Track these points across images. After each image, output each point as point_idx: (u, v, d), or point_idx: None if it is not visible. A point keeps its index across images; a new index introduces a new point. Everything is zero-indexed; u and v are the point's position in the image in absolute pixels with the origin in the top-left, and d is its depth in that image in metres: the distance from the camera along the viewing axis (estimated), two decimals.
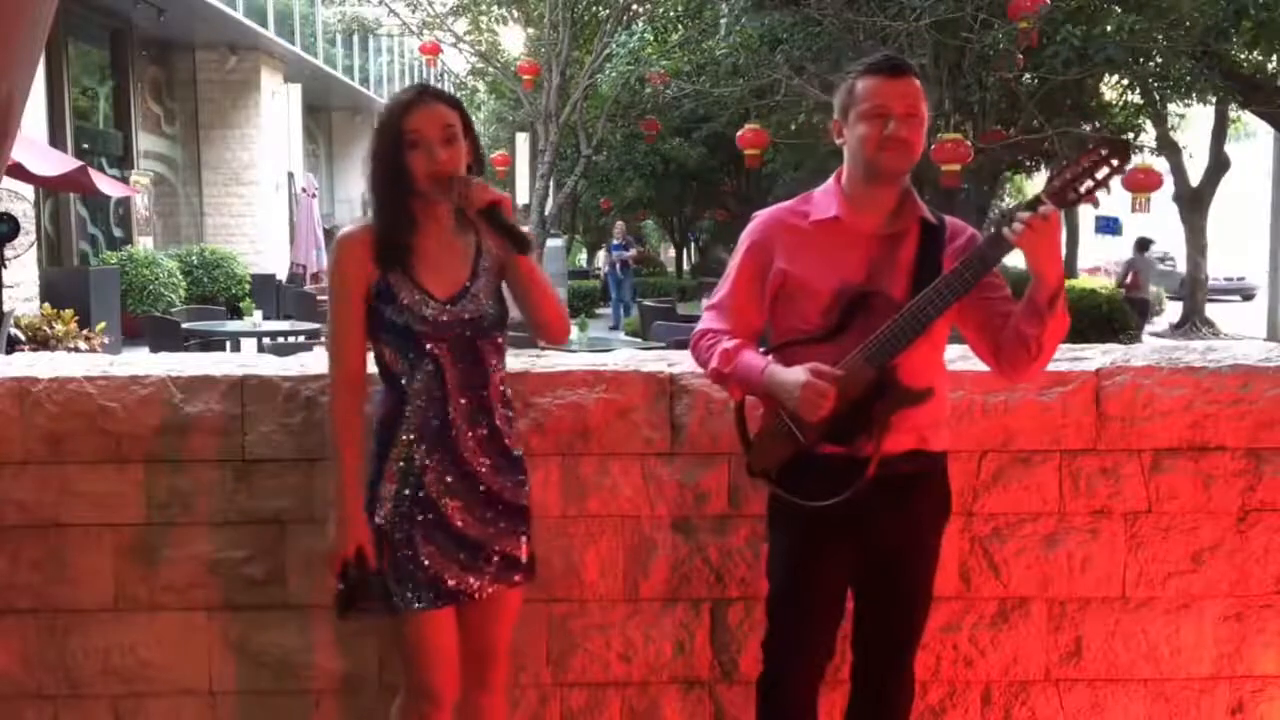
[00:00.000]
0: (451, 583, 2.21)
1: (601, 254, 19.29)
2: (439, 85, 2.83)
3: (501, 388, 2.29)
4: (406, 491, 2.21)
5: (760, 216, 2.37)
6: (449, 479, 2.22)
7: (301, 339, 9.87)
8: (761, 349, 2.30)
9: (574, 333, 9.18)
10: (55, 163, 9.64)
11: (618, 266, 19.02)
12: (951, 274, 2.12)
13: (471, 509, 2.23)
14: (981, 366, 2.66)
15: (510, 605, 2.34)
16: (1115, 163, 2.05)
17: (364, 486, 2.21)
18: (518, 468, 2.30)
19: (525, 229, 2.27)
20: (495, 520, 2.25)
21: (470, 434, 2.22)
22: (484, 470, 2.24)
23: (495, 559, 2.25)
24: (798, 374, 2.13)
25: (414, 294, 2.19)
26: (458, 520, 2.21)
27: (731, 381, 2.28)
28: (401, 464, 2.21)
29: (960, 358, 2.71)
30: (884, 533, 2.25)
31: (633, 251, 19.85)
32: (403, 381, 2.22)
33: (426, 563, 2.19)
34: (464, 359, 2.22)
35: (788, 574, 2.32)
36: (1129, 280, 15.77)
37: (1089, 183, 2.07)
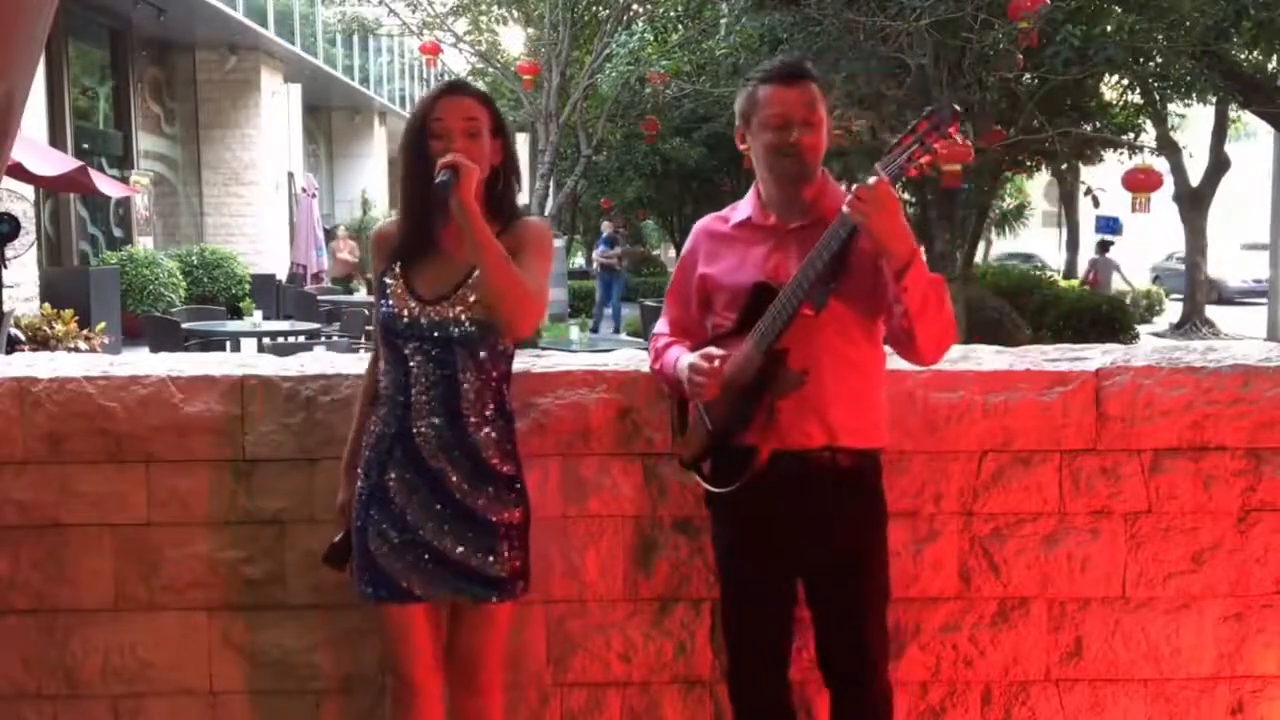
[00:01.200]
0: (403, 583, 2.21)
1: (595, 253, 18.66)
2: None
3: (482, 399, 2.23)
4: (369, 482, 2.24)
5: (695, 226, 2.51)
6: (410, 482, 2.21)
7: (301, 339, 9.88)
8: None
9: (574, 332, 9.20)
10: (55, 163, 9.64)
11: (599, 265, 18.16)
12: (810, 254, 2.14)
13: (432, 515, 2.21)
14: (982, 366, 2.68)
15: (491, 619, 2.28)
16: (942, 127, 2.04)
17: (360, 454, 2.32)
18: (498, 483, 2.23)
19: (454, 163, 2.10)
20: (461, 532, 2.21)
21: (436, 441, 2.20)
22: (453, 481, 2.21)
23: (456, 570, 2.21)
24: (687, 358, 2.26)
25: (401, 290, 2.21)
26: (415, 522, 2.21)
27: (661, 377, 2.44)
28: (369, 454, 2.26)
29: (961, 358, 2.72)
30: (810, 531, 2.27)
31: (616, 250, 18.78)
32: (380, 376, 2.26)
33: (380, 559, 2.21)
34: (434, 364, 2.20)
35: (724, 568, 2.43)
36: (1090, 279, 17.23)
37: (917, 149, 2.06)
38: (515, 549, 2.27)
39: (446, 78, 23.30)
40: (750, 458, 2.21)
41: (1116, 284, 17.64)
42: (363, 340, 9.04)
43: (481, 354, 2.23)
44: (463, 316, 2.19)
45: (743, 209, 2.40)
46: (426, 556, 2.21)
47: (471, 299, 2.19)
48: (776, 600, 2.36)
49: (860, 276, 2.19)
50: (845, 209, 2.08)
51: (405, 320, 2.20)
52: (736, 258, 2.34)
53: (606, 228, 19.58)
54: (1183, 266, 19.65)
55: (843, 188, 2.34)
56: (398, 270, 2.23)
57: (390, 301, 2.21)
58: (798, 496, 2.23)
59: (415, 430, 2.20)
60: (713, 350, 2.22)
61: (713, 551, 2.50)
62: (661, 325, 2.52)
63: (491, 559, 2.23)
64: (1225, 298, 23.64)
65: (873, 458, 2.34)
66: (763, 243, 2.32)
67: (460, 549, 2.21)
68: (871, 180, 2.06)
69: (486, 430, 2.24)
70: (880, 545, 2.35)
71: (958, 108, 2.12)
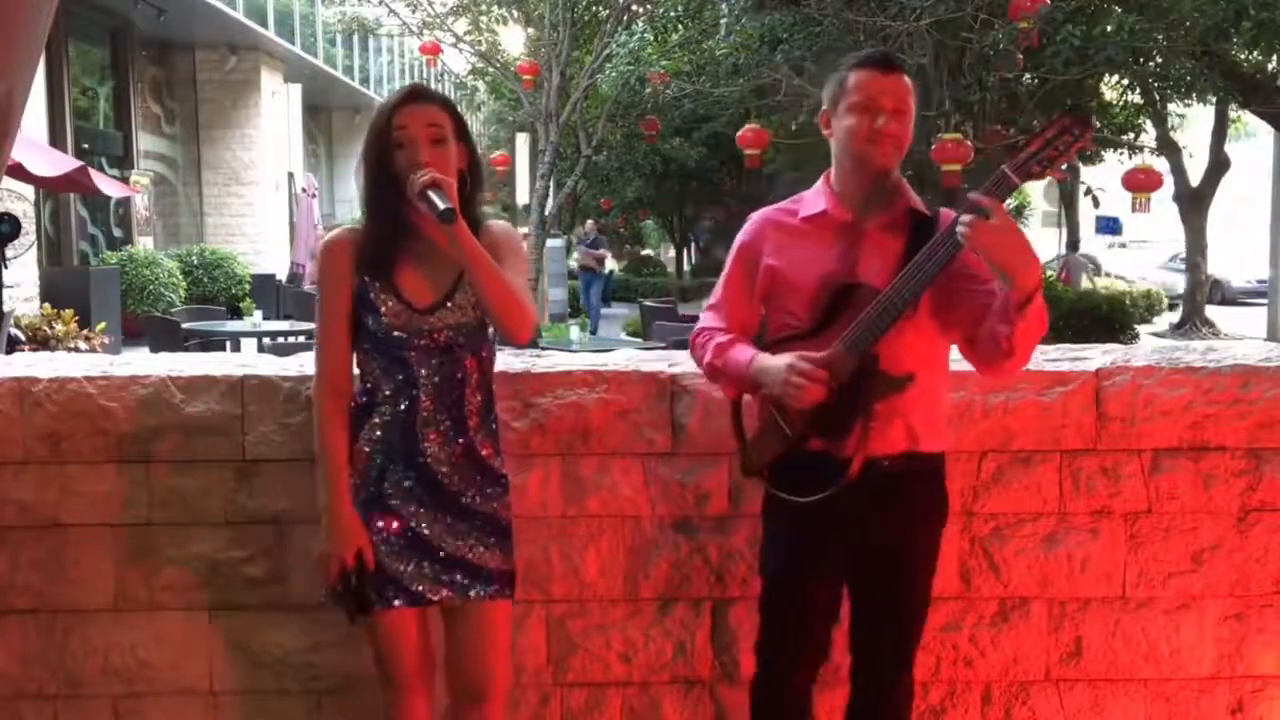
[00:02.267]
0: (410, 584, 2.20)
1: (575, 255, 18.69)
2: (439, 85, 2.81)
3: (483, 401, 2.24)
4: (367, 490, 2.21)
5: (753, 216, 2.39)
6: (412, 487, 2.20)
7: (301, 339, 9.87)
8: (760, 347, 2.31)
9: (574, 332, 9.19)
10: (55, 163, 9.64)
11: (579, 266, 18.28)
12: (923, 256, 2.08)
13: (435, 516, 2.21)
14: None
15: (493, 619, 2.27)
16: (1077, 133, 1.98)
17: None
18: (497, 483, 2.26)
19: (467, 206, 2.13)
20: (466, 532, 2.22)
21: (442, 447, 2.20)
22: (454, 483, 2.21)
23: (464, 569, 2.21)
24: (782, 359, 2.15)
25: (391, 301, 2.18)
26: (418, 524, 2.20)
27: (723, 375, 2.31)
28: (363, 465, 2.21)
29: (962, 358, 2.72)
30: (877, 533, 2.24)
31: (601, 251, 18.99)
32: (373, 388, 2.22)
33: (382, 562, 2.19)
34: (439, 371, 2.19)
35: (780, 572, 2.33)
36: (1061, 276, 17.75)
37: (1050, 153, 1.99)
38: (509, 546, 2.28)
39: (446, 78, 23.24)
40: (836, 464, 2.14)
41: (1085, 283, 18.15)
42: None
43: (481, 354, 2.24)
44: (460, 321, 2.20)
45: (812, 202, 2.30)
46: (432, 557, 2.20)
47: (467, 295, 2.19)
48: (828, 609, 2.33)
49: (945, 277, 2.12)
50: (959, 234, 1.97)
51: (407, 332, 2.18)
52: (809, 253, 2.25)
53: (590, 228, 19.65)
54: (1184, 268, 19.67)
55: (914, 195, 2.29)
56: (378, 281, 2.19)
57: (382, 311, 2.18)
58: (874, 499, 2.17)
59: (422, 436, 2.19)
60: (809, 354, 2.12)
61: (763, 554, 2.40)
62: (713, 319, 2.36)
63: (494, 554, 2.24)
64: (1228, 298, 23.60)
65: (941, 460, 2.33)
66: (838, 239, 2.23)
67: (464, 546, 2.22)
68: (979, 204, 1.95)
69: (484, 431, 2.25)
70: (938, 544, 2.34)
71: (1091, 115, 2.03)
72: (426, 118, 2.15)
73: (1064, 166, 2.10)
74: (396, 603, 2.21)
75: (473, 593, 2.23)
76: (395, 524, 2.20)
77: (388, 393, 2.21)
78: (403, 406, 2.20)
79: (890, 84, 2.19)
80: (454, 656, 2.31)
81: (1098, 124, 14.11)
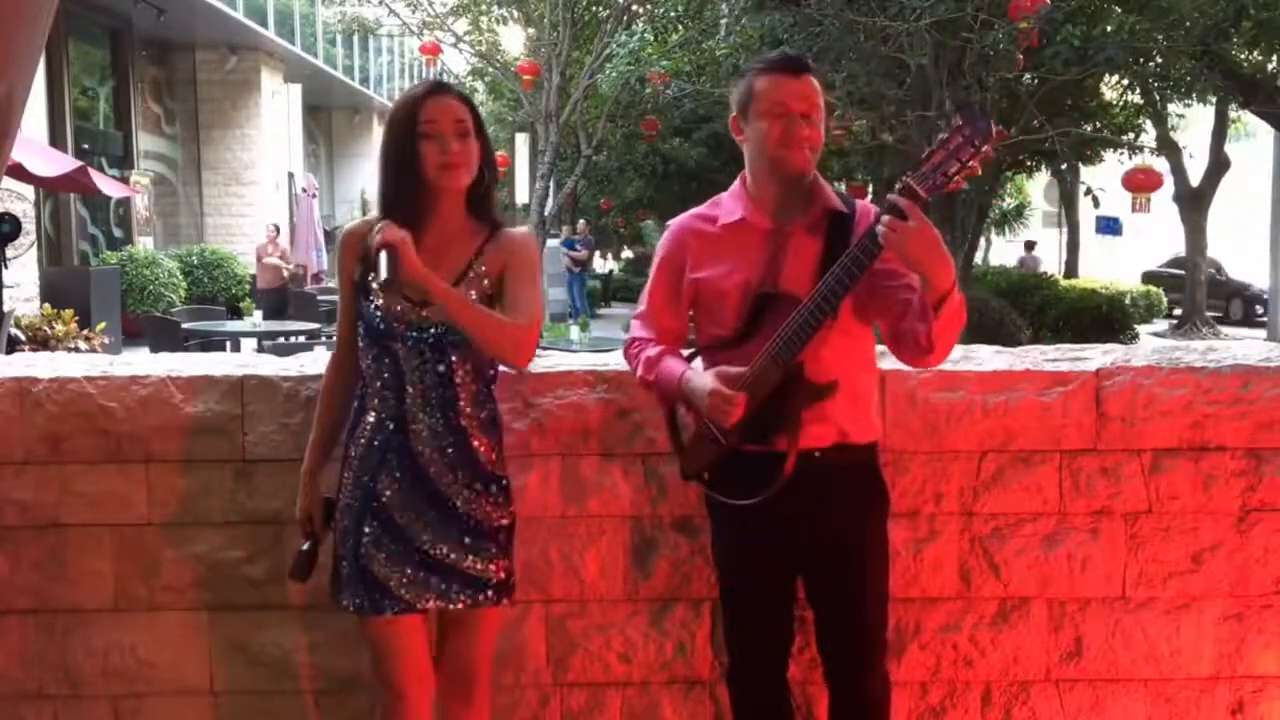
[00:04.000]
0: (398, 591, 2.18)
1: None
2: None
3: (476, 400, 2.23)
4: (360, 490, 2.21)
5: (672, 225, 2.41)
6: (402, 487, 2.19)
7: (301, 339, 9.88)
8: (688, 352, 2.36)
9: (574, 332, 9.19)
10: (55, 163, 9.64)
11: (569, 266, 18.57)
12: (840, 267, 2.09)
13: (429, 522, 2.19)
14: (982, 366, 2.68)
15: (484, 624, 2.28)
16: (977, 142, 1.96)
17: (325, 458, 2.32)
18: (494, 486, 2.24)
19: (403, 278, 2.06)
20: (456, 536, 2.20)
21: (430, 443, 2.19)
22: (445, 484, 2.20)
23: (451, 574, 2.20)
24: (706, 381, 2.18)
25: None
26: (410, 529, 2.19)
27: (654, 388, 2.35)
28: (357, 462, 2.23)
29: (962, 358, 2.72)
30: (816, 526, 2.26)
31: (584, 252, 19.36)
32: (367, 383, 2.23)
33: (373, 568, 2.18)
34: (429, 367, 2.18)
35: (727, 570, 2.40)
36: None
37: (954, 165, 1.98)
38: (507, 551, 2.27)
39: (446, 78, 23.34)
40: (769, 466, 2.17)
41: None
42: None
43: (474, 353, 2.22)
44: None
45: (730, 208, 2.31)
46: (424, 564, 2.19)
47: (470, 295, 2.18)
48: (779, 600, 2.36)
49: (874, 279, 2.16)
50: (878, 229, 2.00)
51: (398, 323, 2.18)
52: (731, 261, 2.27)
53: (582, 228, 19.76)
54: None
55: (876, 202, 2.30)
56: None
57: (376, 302, 2.19)
58: (808, 495, 2.20)
59: (411, 431, 2.19)
60: (729, 371, 2.16)
61: (713, 553, 2.48)
62: (642, 330, 2.40)
63: (489, 562, 2.22)
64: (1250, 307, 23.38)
65: (874, 449, 2.35)
66: (759, 246, 2.25)
67: (458, 553, 2.20)
68: (898, 201, 1.97)
69: (480, 430, 2.23)
70: (882, 532, 2.35)
71: (995, 125, 1.99)
72: (454, 112, 2.17)
73: (963, 179, 2.08)
74: (388, 611, 2.19)
75: (463, 601, 2.22)
76: (386, 527, 2.19)
77: (378, 385, 2.22)
78: (392, 401, 2.20)
79: (799, 87, 2.19)
80: (441, 655, 2.31)
81: (1098, 124, 14.11)
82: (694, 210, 2.40)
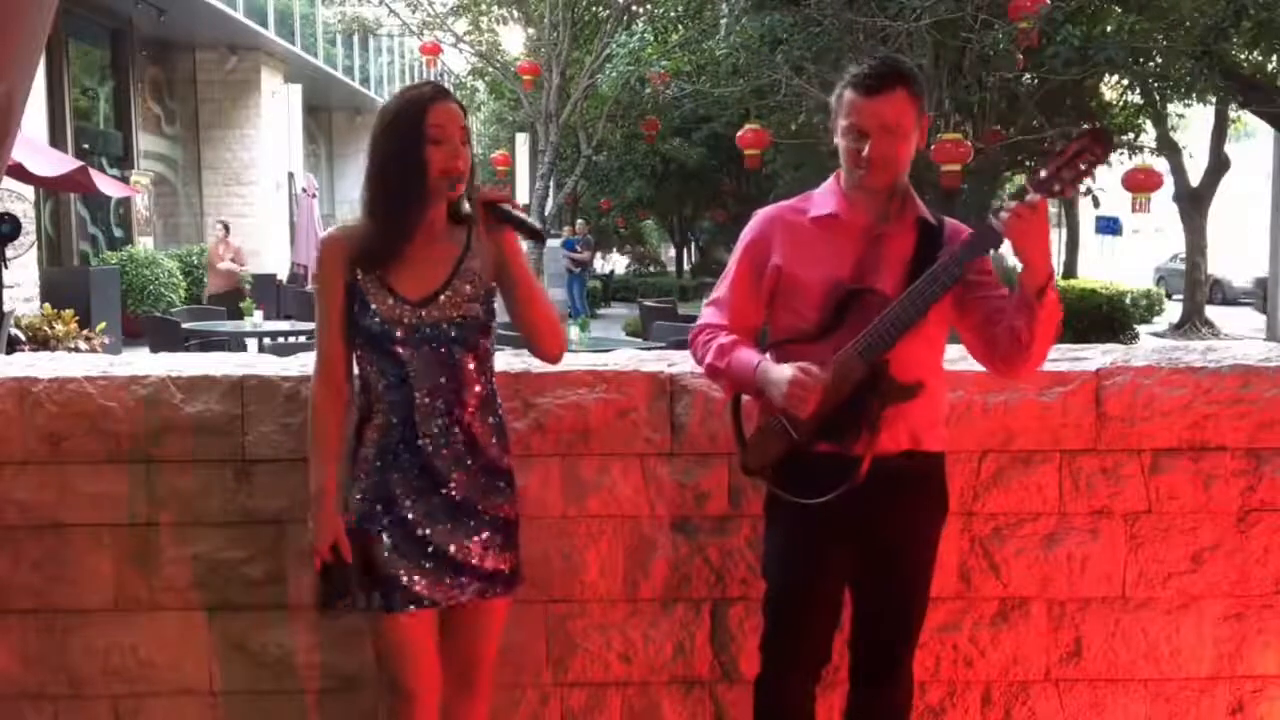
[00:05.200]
0: (416, 588, 2.18)
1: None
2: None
3: (482, 396, 2.23)
4: (372, 495, 2.20)
5: (760, 213, 2.38)
6: (416, 486, 2.19)
7: (301, 339, 9.87)
8: (761, 347, 2.31)
9: (574, 333, 9.19)
10: (55, 163, 9.64)
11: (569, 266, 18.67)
12: (940, 266, 2.12)
13: (441, 518, 2.19)
14: (981, 367, 2.67)
15: (492, 617, 2.29)
16: (1099, 151, 2.07)
17: (339, 484, 2.22)
18: (502, 480, 2.25)
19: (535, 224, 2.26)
20: (469, 532, 2.20)
21: (441, 442, 2.19)
22: (457, 481, 2.20)
23: (466, 570, 2.20)
24: (785, 371, 2.14)
25: (384, 296, 2.17)
26: (425, 528, 2.18)
27: (725, 377, 2.30)
28: (367, 467, 2.21)
29: (961, 358, 2.71)
30: (880, 531, 2.25)
31: (585, 253, 19.39)
32: (372, 385, 2.22)
33: (391, 567, 2.17)
34: (434, 365, 2.18)
35: (785, 573, 2.32)
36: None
37: (1072, 172, 2.07)
38: (514, 544, 2.28)
39: (446, 78, 23.34)
40: (841, 466, 2.15)
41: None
42: None
43: (478, 349, 2.22)
44: (455, 314, 2.18)
45: (822, 203, 2.29)
46: (435, 559, 2.19)
47: (462, 290, 2.19)
48: (830, 609, 2.33)
49: (970, 287, 2.19)
50: (994, 222, 2.09)
51: (400, 326, 2.17)
52: (819, 255, 2.24)
53: (581, 228, 19.78)
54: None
55: (999, 202, 2.36)
56: (373, 277, 2.18)
57: (375, 307, 2.17)
58: (875, 499, 2.17)
59: (420, 432, 2.18)
60: (811, 366, 2.12)
61: (765, 554, 2.40)
62: (716, 316, 2.34)
63: (498, 555, 2.23)
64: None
65: (942, 459, 2.34)
66: (849, 242, 2.24)
67: (469, 547, 2.20)
68: (1030, 198, 2.06)
69: (485, 425, 2.24)
70: (936, 542, 2.35)
71: (1112, 135, 2.14)
72: (459, 119, 2.18)
73: (1083, 188, 2.19)
74: (410, 607, 2.18)
75: (473, 594, 2.23)
76: (399, 527, 2.19)
77: (383, 389, 2.20)
78: (399, 402, 2.19)
79: (875, 107, 2.17)
80: (448, 649, 2.30)
81: (1098, 125, 14.11)
82: (783, 202, 2.39)
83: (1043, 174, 2.09)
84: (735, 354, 2.25)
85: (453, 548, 2.20)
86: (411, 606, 2.19)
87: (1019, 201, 2.07)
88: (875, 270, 2.21)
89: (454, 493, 2.20)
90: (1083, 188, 13.46)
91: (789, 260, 2.26)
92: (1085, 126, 2.11)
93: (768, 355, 2.25)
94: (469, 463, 2.21)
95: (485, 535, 2.22)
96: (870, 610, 2.33)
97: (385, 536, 2.19)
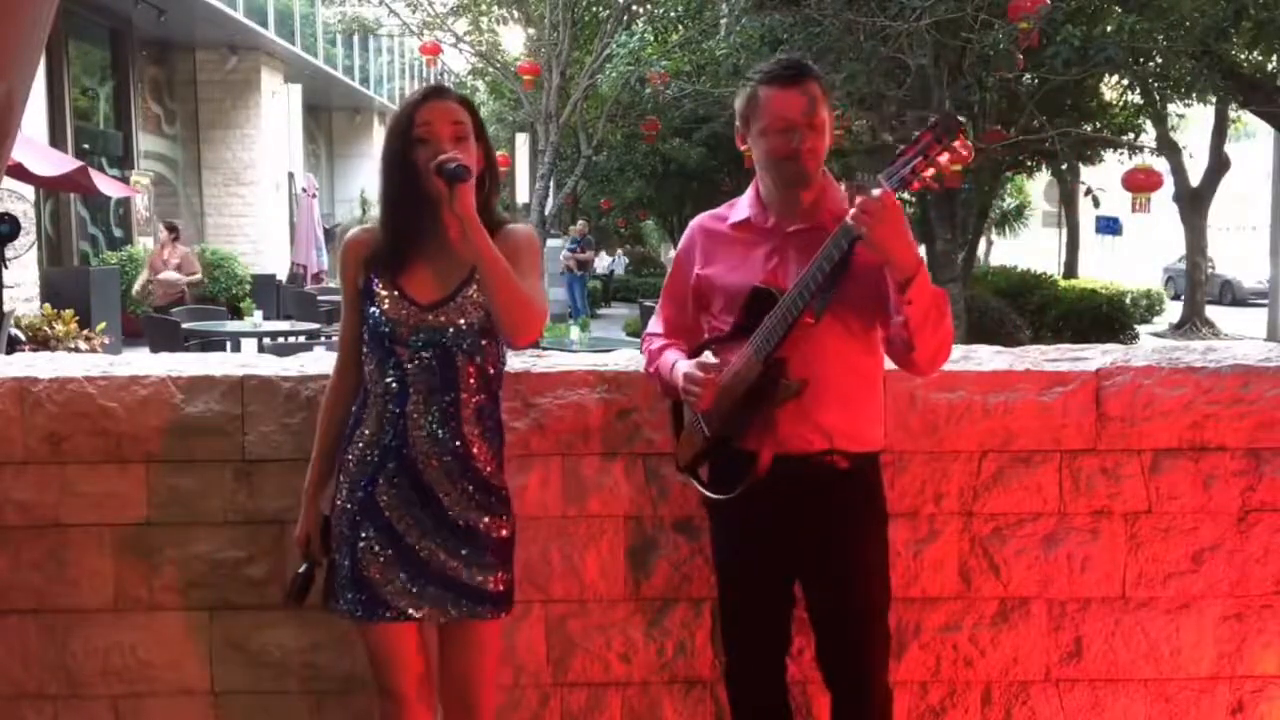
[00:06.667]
0: (398, 601, 2.16)
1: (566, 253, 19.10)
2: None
3: (480, 407, 2.19)
4: (356, 495, 2.18)
5: (691, 223, 2.47)
6: (401, 494, 2.16)
7: (301, 339, 9.88)
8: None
9: (574, 332, 9.19)
10: (55, 163, 9.65)
11: (565, 267, 18.72)
12: (813, 262, 2.10)
13: (426, 530, 2.16)
14: (982, 366, 2.68)
15: (481, 636, 2.24)
16: (945, 140, 1.98)
17: (327, 477, 2.28)
18: (493, 497, 2.21)
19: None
20: (455, 548, 2.17)
21: (432, 453, 2.16)
22: (447, 494, 2.16)
23: (450, 586, 2.16)
24: (684, 366, 2.23)
25: (392, 297, 2.17)
26: (408, 538, 2.16)
27: (656, 381, 2.40)
28: (353, 468, 2.20)
29: (962, 358, 2.72)
30: (804, 533, 2.26)
31: (588, 254, 19.57)
32: (370, 387, 2.21)
33: (368, 574, 2.16)
34: (434, 372, 2.15)
35: (723, 569, 2.42)
36: None
37: (920, 161, 2.01)
38: (507, 563, 2.23)
39: (446, 78, 23.37)
40: (750, 463, 2.19)
41: None
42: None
43: (480, 359, 2.19)
44: (462, 322, 2.16)
45: (741, 208, 2.35)
46: (421, 573, 2.16)
47: (473, 296, 2.17)
48: (774, 601, 2.36)
49: (861, 282, 2.14)
50: (848, 220, 2.03)
51: (403, 328, 2.15)
52: (734, 259, 2.30)
53: (581, 228, 19.83)
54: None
55: (843, 189, 2.32)
56: (385, 278, 2.18)
57: (383, 309, 2.17)
58: (797, 500, 2.22)
59: (411, 438, 2.15)
60: (708, 359, 2.19)
61: (712, 552, 2.48)
62: (655, 325, 2.46)
63: (487, 574, 2.18)
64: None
65: (871, 460, 2.32)
66: (761, 245, 2.28)
67: (456, 564, 2.17)
68: (875, 191, 2.01)
69: (481, 440, 2.20)
70: (880, 548, 2.33)
71: (961, 119, 2.02)
72: (450, 115, 2.15)
73: (933, 176, 2.10)
74: (382, 617, 2.18)
75: (458, 612, 2.19)
76: (383, 534, 2.17)
77: (380, 391, 2.19)
78: (393, 407, 2.16)
79: (797, 99, 2.18)
80: (442, 666, 2.29)
81: (1098, 124, 14.10)
82: (712, 210, 2.45)
83: (892, 167, 2.03)
84: (661, 358, 2.36)
85: (435, 560, 2.16)
86: (385, 617, 2.17)
87: (863, 196, 2.01)
88: (785, 270, 2.22)
89: (439, 504, 2.17)
90: (1082, 188, 13.46)
91: (707, 267, 2.35)
92: (937, 114, 2.00)
93: (682, 357, 2.31)
94: (457, 476, 2.17)
95: (469, 552, 2.17)
96: (823, 617, 2.33)
97: (364, 543, 2.16)
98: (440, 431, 2.16)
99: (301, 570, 2.30)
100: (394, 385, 2.17)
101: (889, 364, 2.34)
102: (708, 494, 2.33)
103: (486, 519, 2.20)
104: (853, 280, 2.13)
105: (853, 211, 2.02)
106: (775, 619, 2.37)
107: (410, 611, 2.18)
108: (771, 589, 2.35)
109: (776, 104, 2.20)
